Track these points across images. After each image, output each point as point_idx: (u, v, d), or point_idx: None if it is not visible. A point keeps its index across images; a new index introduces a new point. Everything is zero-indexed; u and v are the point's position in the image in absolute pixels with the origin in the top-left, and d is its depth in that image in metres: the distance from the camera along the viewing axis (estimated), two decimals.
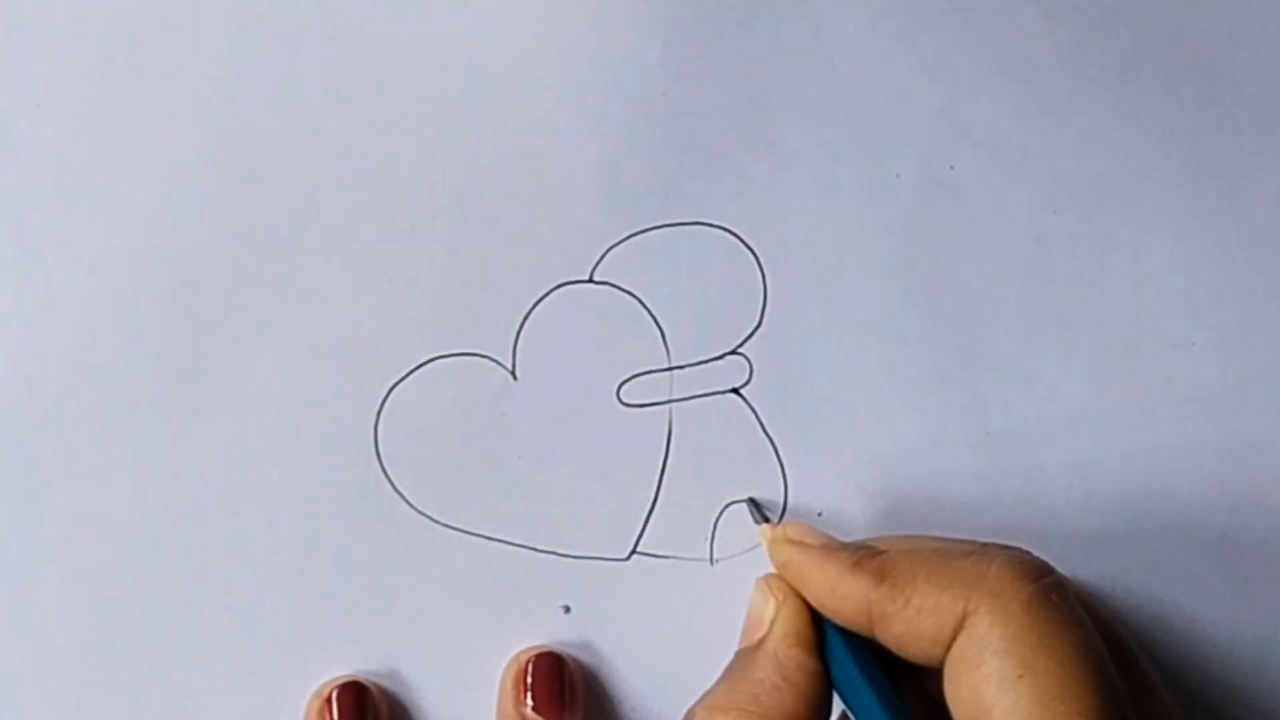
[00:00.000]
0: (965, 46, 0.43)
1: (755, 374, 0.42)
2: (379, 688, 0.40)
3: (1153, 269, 0.44)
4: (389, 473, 0.41)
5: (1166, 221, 0.44)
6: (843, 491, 0.42)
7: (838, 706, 0.38)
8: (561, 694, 0.40)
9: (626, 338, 0.42)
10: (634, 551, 0.42)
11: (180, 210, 0.41)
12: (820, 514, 0.42)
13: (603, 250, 0.42)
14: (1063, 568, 0.41)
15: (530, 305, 0.42)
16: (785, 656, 0.37)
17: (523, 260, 0.42)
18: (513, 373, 0.42)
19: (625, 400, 0.42)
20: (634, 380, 0.42)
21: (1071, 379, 0.43)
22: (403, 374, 0.41)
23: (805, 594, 0.38)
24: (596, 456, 0.42)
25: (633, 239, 0.42)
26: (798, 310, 0.43)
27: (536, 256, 0.42)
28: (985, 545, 0.38)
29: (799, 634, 0.38)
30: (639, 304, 0.42)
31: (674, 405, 0.42)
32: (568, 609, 0.41)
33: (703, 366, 0.42)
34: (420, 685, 0.41)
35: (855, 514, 0.42)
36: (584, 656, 0.41)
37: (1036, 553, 0.37)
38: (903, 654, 0.36)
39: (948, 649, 0.35)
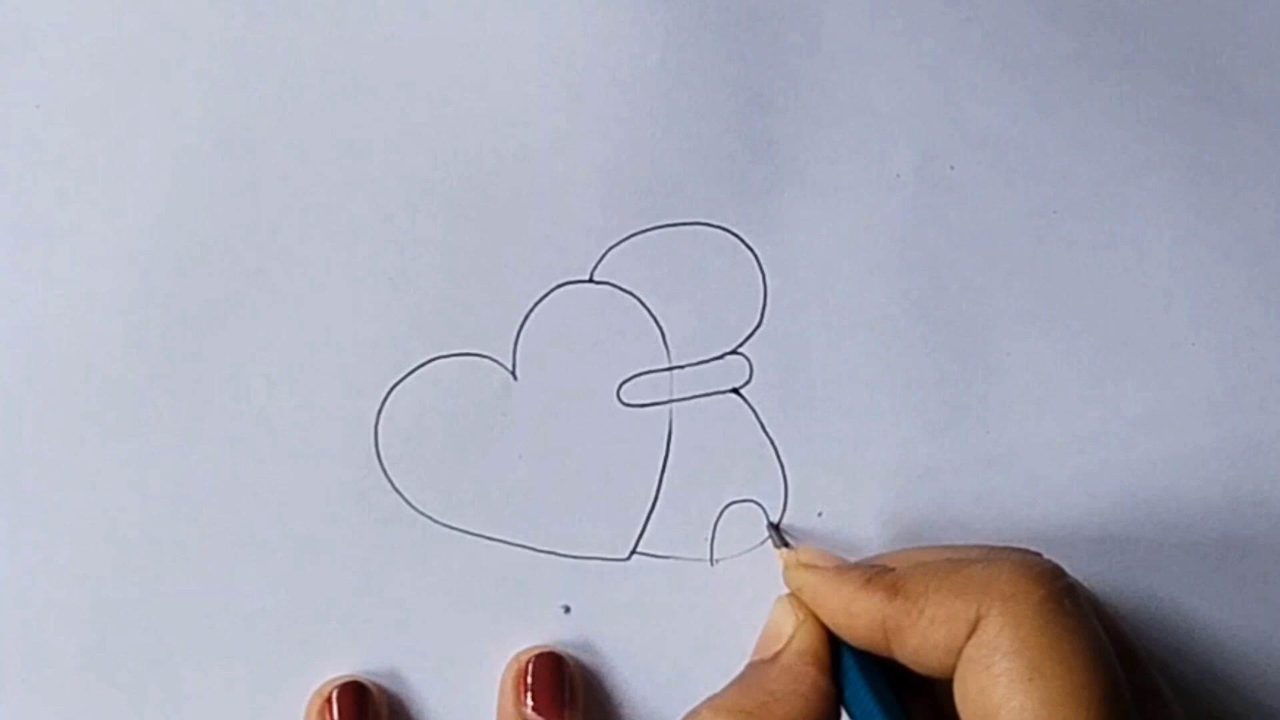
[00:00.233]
0: (965, 46, 0.43)
1: (755, 374, 0.42)
2: (379, 688, 0.40)
3: (1153, 269, 0.44)
4: (389, 473, 0.41)
5: (1166, 221, 0.44)
6: (843, 491, 0.42)
7: None
8: (561, 694, 0.40)
9: (626, 338, 0.42)
10: (634, 551, 0.42)
11: (180, 210, 0.41)
12: (820, 514, 0.42)
13: (603, 250, 0.42)
14: (1064, 568, 0.41)
15: (530, 305, 0.42)
16: (800, 671, 0.37)
17: (523, 260, 0.42)
18: (513, 373, 0.42)
19: (625, 400, 0.42)
20: (634, 380, 0.42)
21: (1071, 379, 0.43)
22: (403, 374, 0.41)
23: (821, 615, 0.38)
24: (596, 456, 0.42)
25: (633, 239, 0.42)
26: (798, 310, 0.43)
27: (536, 256, 0.42)
28: (997, 549, 0.38)
29: (815, 652, 0.38)
30: (639, 304, 0.42)
31: (674, 405, 0.42)
32: (568, 609, 0.41)
33: (703, 366, 0.42)
34: (420, 685, 0.41)
35: (855, 514, 0.42)
36: (584, 656, 0.41)
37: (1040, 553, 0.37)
38: (919, 668, 0.36)
39: (960, 655, 0.35)
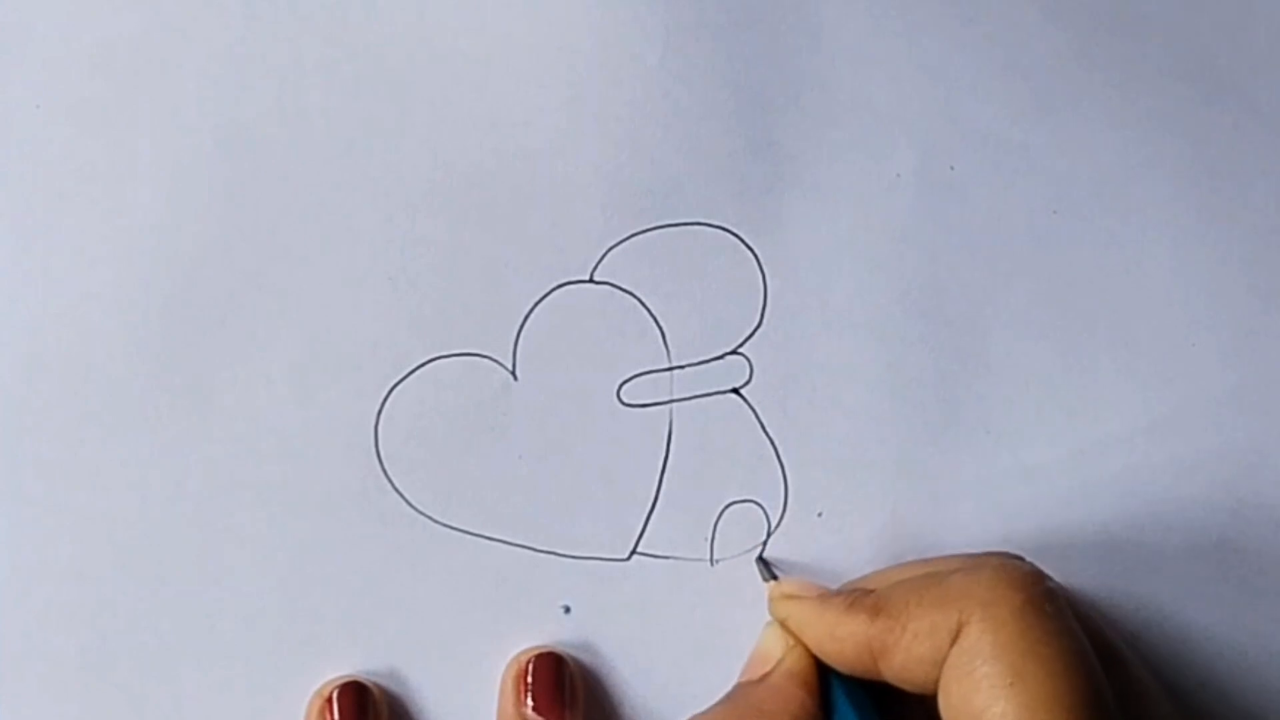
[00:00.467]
0: (965, 46, 0.43)
1: (755, 374, 0.42)
2: (379, 688, 0.40)
3: (1153, 269, 0.44)
4: (389, 473, 0.41)
5: (1166, 221, 0.44)
6: (843, 491, 0.42)
7: None
8: (561, 694, 0.40)
9: (626, 338, 0.42)
10: (634, 551, 0.42)
11: (180, 210, 0.41)
12: (820, 514, 0.42)
13: (603, 250, 0.42)
14: (1062, 570, 0.41)
15: (530, 305, 0.42)
16: (789, 693, 0.38)
17: (523, 260, 0.42)
18: (513, 373, 0.42)
19: (625, 400, 0.42)
20: (634, 380, 0.42)
21: (1071, 379, 0.43)
22: (403, 374, 0.41)
23: (808, 643, 0.38)
24: (596, 456, 0.42)
25: (633, 239, 0.42)
26: (798, 310, 0.43)
27: (536, 256, 0.42)
28: (976, 557, 0.38)
29: (804, 676, 0.38)
30: (639, 304, 0.42)
31: (674, 405, 0.42)
32: (568, 609, 0.41)
33: (703, 366, 0.42)
34: (420, 685, 0.41)
35: (855, 514, 0.42)
36: (584, 656, 0.41)
37: (1037, 555, 0.37)
38: (907, 685, 0.36)
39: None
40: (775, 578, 0.41)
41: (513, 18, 0.42)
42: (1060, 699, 0.33)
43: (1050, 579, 0.36)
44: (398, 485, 0.41)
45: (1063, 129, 0.43)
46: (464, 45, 0.42)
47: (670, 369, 0.42)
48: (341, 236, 0.41)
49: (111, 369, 0.41)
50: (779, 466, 0.42)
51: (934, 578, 0.36)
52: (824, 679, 0.38)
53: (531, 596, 0.41)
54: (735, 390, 0.42)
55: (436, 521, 0.41)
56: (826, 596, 0.39)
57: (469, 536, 0.41)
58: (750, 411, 0.42)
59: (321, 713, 0.39)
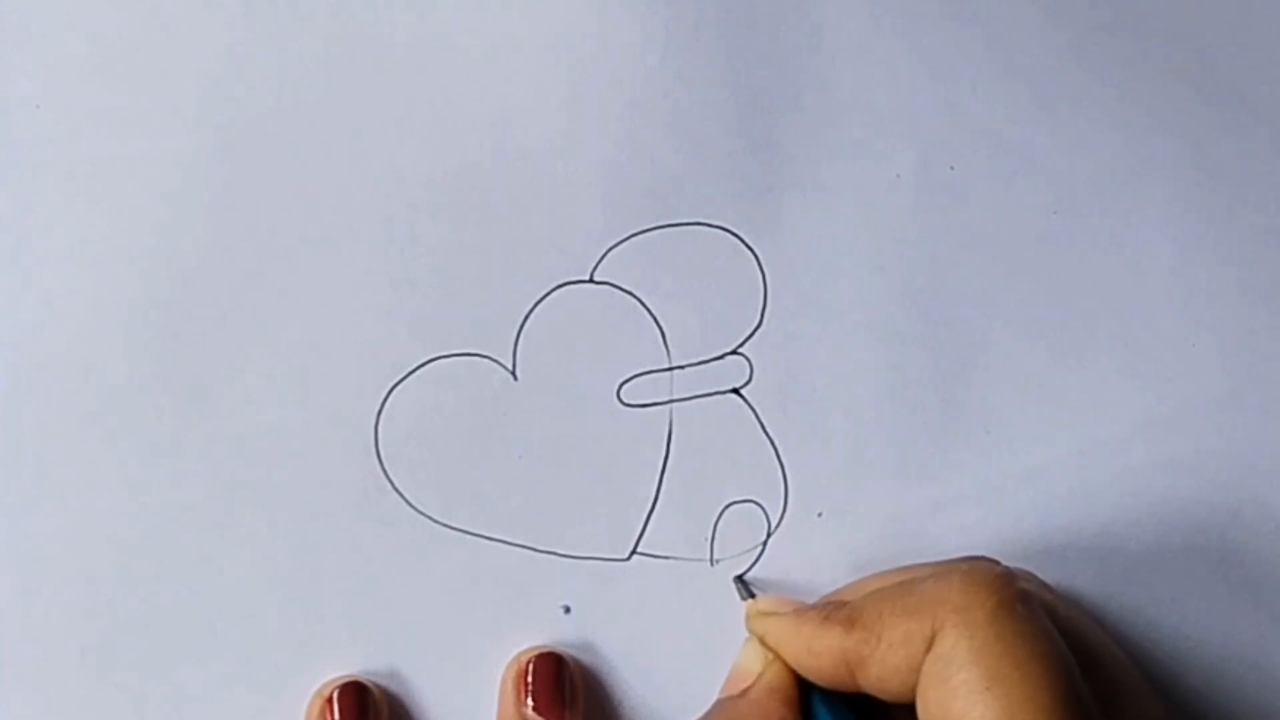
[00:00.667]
0: (965, 46, 0.43)
1: (755, 374, 0.42)
2: (380, 688, 0.40)
3: (1153, 269, 0.44)
4: (389, 473, 0.41)
5: (1166, 221, 0.44)
6: (843, 491, 0.42)
7: None
8: (562, 694, 0.40)
9: (626, 338, 0.42)
10: (634, 551, 0.42)
11: (180, 211, 0.41)
12: (820, 514, 0.42)
13: (603, 250, 0.42)
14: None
15: (530, 305, 0.42)
16: (770, 707, 0.38)
17: (523, 260, 0.42)
18: (513, 373, 0.42)
19: (625, 400, 0.42)
20: (634, 380, 0.42)
21: (1072, 379, 0.43)
22: (403, 374, 0.41)
23: (786, 658, 0.38)
24: (596, 456, 0.42)
25: (633, 239, 0.42)
26: (798, 310, 0.43)
27: (536, 256, 0.42)
28: (948, 563, 0.38)
29: (784, 691, 0.38)
30: (639, 304, 0.42)
31: (674, 405, 0.42)
32: (568, 609, 0.41)
33: (703, 366, 0.42)
34: (420, 685, 0.41)
35: (855, 514, 0.42)
36: (584, 656, 0.41)
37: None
38: (885, 695, 0.36)
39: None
40: (753, 595, 0.41)
41: (513, 18, 0.42)
42: (1038, 700, 0.33)
43: (1023, 580, 0.36)
44: (398, 485, 0.41)
45: (1063, 129, 0.43)
46: (464, 45, 0.42)
47: (670, 369, 0.42)
48: (341, 237, 0.41)
49: (111, 369, 0.41)
50: (779, 466, 0.42)
51: (906, 586, 0.36)
52: (804, 693, 0.38)
53: (531, 596, 0.41)
54: (735, 390, 0.42)
55: (436, 521, 0.41)
56: (802, 611, 0.39)
57: (469, 536, 0.41)
58: (750, 411, 0.42)
59: (322, 713, 0.39)
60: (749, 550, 0.42)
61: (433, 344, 0.41)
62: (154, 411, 0.41)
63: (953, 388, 0.43)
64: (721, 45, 0.43)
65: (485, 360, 0.42)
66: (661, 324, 0.42)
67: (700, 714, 0.39)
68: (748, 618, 0.40)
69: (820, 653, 0.37)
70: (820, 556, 0.42)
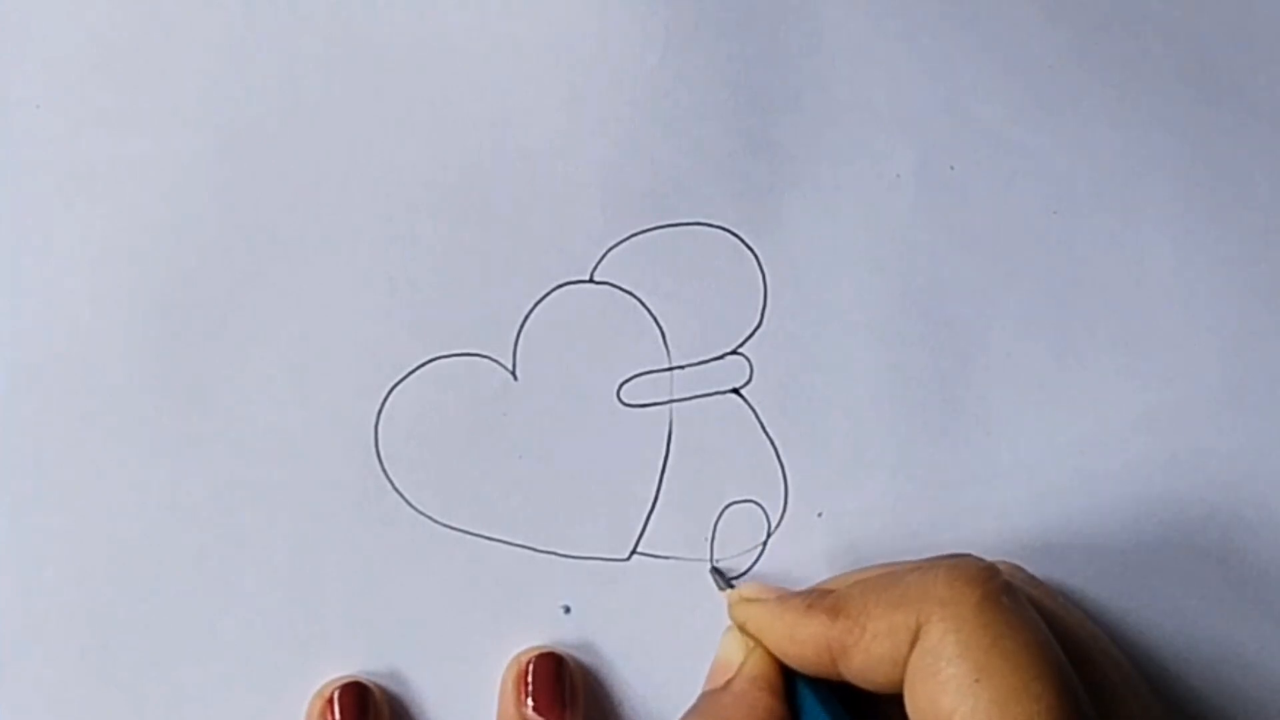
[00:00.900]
0: (965, 46, 0.43)
1: (755, 374, 0.42)
2: (380, 688, 0.40)
3: (1153, 269, 0.44)
4: (389, 473, 0.41)
5: (1166, 221, 0.44)
6: (843, 491, 0.42)
7: None
8: (562, 695, 0.40)
9: (626, 338, 0.42)
10: (634, 551, 0.42)
11: (180, 210, 0.41)
12: (820, 514, 0.42)
13: (603, 250, 0.42)
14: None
15: (530, 305, 0.42)
16: (754, 697, 0.38)
17: (523, 260, 0.42)
18: (513, 373, 0.42)
19: (625, 400, 0.42)
20: (634, 380, 0.42)
21: (1071, 379, 0.43)
22: (403, 374, 0.41)
23: (768, 645, 0.38)
24: (596, 456, 0.42)
25: (633, 239, 0.42)
26: (798, 310, 0.43)
27: (536, 256, 0.42)
28: (932, 559, 0.38)
29: (767, 679, 0.38)
30: (639, 304, 0.42)
31: (674, 405, 0.42)
32: (568, 609, 0.41)
33: (703, 366, 0.42)
34: (420, 685, 0.41)
35: (855, 514, 0.42)
36: (584, 657, 0.41)
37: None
38: (868, 685, 0.36)
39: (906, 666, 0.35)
40: (731, 585, 0.41)
41: (513, 18, 0.42)
42: (1029, 689, 0.33)
43: (1007, 573, 0.36)
44: (398, 485, 0.41)
45: (1063, 129, 0.43)
46: (464, 45, 0.42)
47: (670, 369, 0.42)
48: (341, 237, 0.41)
49: (111, 369, 0.41)
50: (779, 466, 0.42)
51: (890, 577, 0.36)
52: (789, 681, 0.38)
53: (531, 596, 0.41)
54: (735, 390, 0.42)
55: (436, 521, 0.41)
56: (785, 598, 0.38)
57: (469, 536, 0.41)
58: (750, 411, 0.42)
59: (322, 713, 0.39)
60: (749, 550, 0.42)
61: (433, 344, 0.41)
62: (154, 411, 0.41)
63: (953, 388, 0.43)
64: (721, 45, 0.43)
65: (485, 360, 0.42)
66: (661, 324, 0.42)
67: (685, 711, 0.39)
68: (729, 605, 0.40)
69: (804, 640, 0.37)
70: (820, 556, 0.42)
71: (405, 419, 0.41)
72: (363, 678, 0.40)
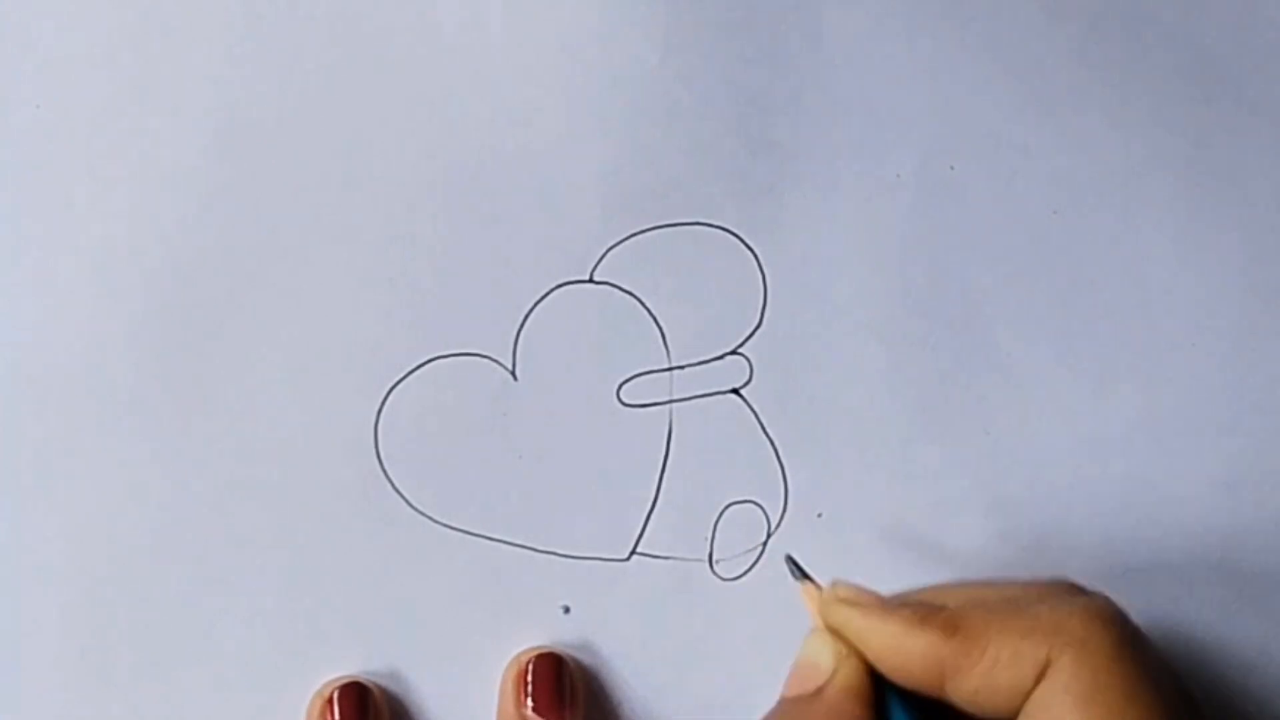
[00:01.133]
0: (965, 46, 0.43)
1: (755, 374, 0.42)
2: (379, 688, 0.40)
3: (1153, 269, 0.44)
4: (389, 473, 0.41)
5: (1166, 221, 0.44)
6: (843, 492, 0.42)
7: None
8: (562, 695, 0.40)
9: (626, 338, 0.42)
10: (634, 551, 0.42)
11: (180, 210, 0.41)
12: (820, 514, 0.42)
13: (603, 250, 0.42)
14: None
15: (530, 305, 0.42)
16: (847, 710, 0.36)
17: (523, 260, 0.42)
18: (513, 373, 0.42)
19: (625, 400, 0.42)
20: (634, 380, 0.42)
21: (1071, 379, 0.43)
22: (403, 374, 0.41)
23: (867, 654, 0.36)
24: (596, 456, 0.42)
25: (633, 239, 0.42)
26: (798, 310, 0.42)
27: (536, 256, 0.42)
28: (1053, 588, 0.36)
29: (860, 691, 0.36)
30: (639, 304, 0.42)
31: (674, 405, 0.42)
32: (568, 609, 0.41)
33: (703, 366, 0.42)
34: (420, 685, 0.41)
35: (855, 514, 0.42)
36: (584, 657, 0.41)
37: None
38: (976, 709, 0.35)
39: (1027, 698, 0.34)
40: (808, 577, 0.39)
41: (513, 18, 0.42)
42: None
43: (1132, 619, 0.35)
44: (398, 485, 0.41)
45: (1063, 129, 0.43)
46: (464, 45, 0.42)
47: (670, 369, 0.42)
48: (341, 237, 0.41)
49: (111, 369, 0.41)
50: (779, 466, 0.42)
51: (1016, 604, 0.35)
52: (878, 693, 0.36)
53: (531, 596, 0.41)
54: (735, 390, 0.42)
55: (436, 521, 0.41)
56: (889, 606, 0.36)
57: (469, 536, 0.41)
58: (750, 412, 0.42)
59: (322, 713, 0.39)
60: (749, 550, 0.42)
61: (433, 344, 0.41)
62: (154, 411, 0.41)
63: (953, 388, 0.43)
64: (721, 45, 0.43)
65: (485, 360, 0.42)
66: (661, 324, 0.42)
67: (764, 715, 0.37)
68: (824, 604, 0.37)
69: (911, 653, 0.35)
70: (820, 557, 0.42)
71: (405, 419, 0.41)
72: (363, 678, 0.40)
